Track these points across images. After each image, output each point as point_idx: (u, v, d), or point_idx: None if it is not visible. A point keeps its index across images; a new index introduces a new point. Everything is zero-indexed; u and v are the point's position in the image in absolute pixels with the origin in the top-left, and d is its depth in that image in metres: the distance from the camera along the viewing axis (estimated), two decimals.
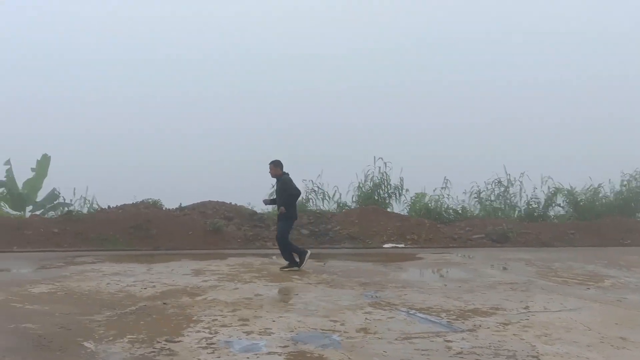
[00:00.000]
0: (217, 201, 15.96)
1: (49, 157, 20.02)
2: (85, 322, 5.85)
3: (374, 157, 19.40)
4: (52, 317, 6.00)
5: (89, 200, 19.84)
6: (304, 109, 29.74)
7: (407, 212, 18.85)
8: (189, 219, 14.15)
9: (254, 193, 19.18)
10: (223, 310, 6.44)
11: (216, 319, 5.98)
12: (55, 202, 19.66)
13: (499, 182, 19.35)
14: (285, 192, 9.32)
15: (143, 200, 14.99)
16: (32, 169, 19.45)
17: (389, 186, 19.74)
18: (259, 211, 16.33)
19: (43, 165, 19.70)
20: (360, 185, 19.35)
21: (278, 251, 10.18)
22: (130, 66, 30.51)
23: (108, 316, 6.11)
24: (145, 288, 7.78)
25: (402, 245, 14.50)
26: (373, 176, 19.59)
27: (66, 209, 19.65)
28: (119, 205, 14.74)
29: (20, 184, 19.17)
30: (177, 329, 5.49)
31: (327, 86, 30.62)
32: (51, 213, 18.56)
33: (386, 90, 30.66)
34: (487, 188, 19.60)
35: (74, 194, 20.00)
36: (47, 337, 5.23)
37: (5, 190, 18.63)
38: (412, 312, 6.40)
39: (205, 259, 11.26)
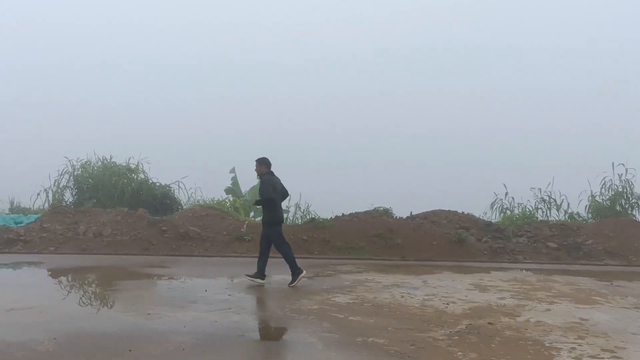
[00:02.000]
0: (449, 210, 15.45)
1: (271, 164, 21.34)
2: (428, 339, 5.67)
3: (612, 163, 17.52)
4: (391, 332, 5.91)
5: (301, 208, 20.86)
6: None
7: None
8: (429, 228, 13.85)
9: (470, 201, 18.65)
10: (567, 335, 5.83)
11: (573, 348, 5.38)
12: None
13: None
14: (260, 193, 8.81)
15: (375, 208, 15.04)
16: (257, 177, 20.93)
17: (631, 195, 17.69)
18: (493, 221, 15.52)
19: None
20: (596, 194, 17.60)
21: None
22: None
23: (447, 335, 5.86)
24: (447, 304, 7.48)
25: None
26: (612, 184, 17.72)
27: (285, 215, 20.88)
28: (351, 213, 14.94)
29: (243, 190, 20.73)
30: (541, 357, 5.01)
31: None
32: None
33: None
34: None
35: (288, 201, 21.24)
36: (411, 356, 5.07)
37: (231, 197, 20.21)
38: None
39: (465, 271, 10.80)
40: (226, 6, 38.36)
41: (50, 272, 10.27)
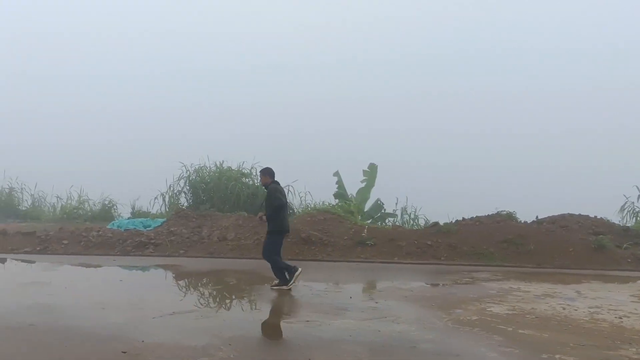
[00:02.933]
0: (579, 214, 14.51)
1: (376, 166, 21.07)
2: (623, 359, 5.16)
3: None
4: (577, 350, 5.48)
5: (408, 212, 20.44)
6: None
7: None
8: (562, 234, 13.06)
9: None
10: None
11: None
12: (381, 213, 20.68)
13: None
14: (270, 201, 8.51)
15: (498, 211, 14.41)
16: (362, 180, 20.74)
17: None
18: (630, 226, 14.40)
19: (371, 175, 20.80)
20: None
21: None
22: None
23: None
24: (620, 318, 6.89)
25: None
26: None
27: (390, 220, 20.55)
28: (472, 217, 14.41)
29: (349, 194, 20.62)
30: None
31: None
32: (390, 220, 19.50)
33: None
34: None
35: (396, 205, 20.90)
36: None
37: (339, 202, 20.13)
38: None
39: (616, 281, 10.01)
40: None
41: (190, 276, 10.58)
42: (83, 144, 30.01)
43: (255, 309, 7.60)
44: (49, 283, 8.98)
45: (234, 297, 8.55)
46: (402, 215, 20.35)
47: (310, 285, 9.37)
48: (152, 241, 13.41)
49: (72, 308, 7.14)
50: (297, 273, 8.53)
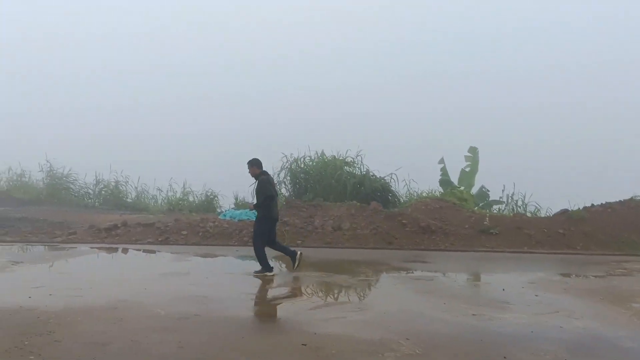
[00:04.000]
0: None
1: (477, 149, 20.19)
2: None
3: None
4: None
5: (514, 199, 19.47)
6: None
7: None
8: None
9: None
10: None
11: None
12: (487, 200, 19.86)
13: None
14: (260, 193, 8.72)
15: (632, 197, 13.37)
16: (465, 166, 19.97)
17: None
18: None
19: (473, 159, 19.97)
20: None
21: None
22: None
23: None
24: None
25: None
26: None
27: (496, 207, 19.69)
28: (602, 203, 13.46)
29: (455, 181, 19.94)
30: None
31: None
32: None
33: None
34: None
35: (502, 192, 19.97)
36: None
37: (447, 189, 19.49)
38: None
39: None
40: None
41: (322, 267, 10.39)
42: (181, 134, 31.02)
43: (407, 300, 7.32)
44: (188, 274, 9.13)
45: (379, 288, 8.30)
46: (508, 201, 19.53)
47: (449, 275, 8.99)
48: None
49: (225, 299, 7.15)
50: (298, 255, 9.00)
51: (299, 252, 9.02)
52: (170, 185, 22.52)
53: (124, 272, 9.48)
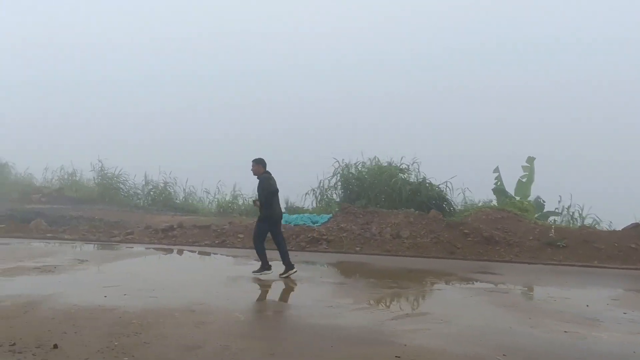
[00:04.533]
0: None
1: (534, 159, 19.75)
2: None
3: None
4: None
5: (570, 211, 18.85)
6: None
7: None
8: None
9: None
10: None
11: None
12: (542, 211, 19.34)
13: None
14: (263, 189, 9.02)
15: None
16: (522, 176, 19.54)
17: None
18: None
19: (530, 169, 19.53)
20: None
21: None
22: None
23: None
24: None
25: None
26: None
27: (554, 219, 19.11)
28: None
29: (511, 191, 19.48)
30: None
31: None
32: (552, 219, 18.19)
33: None
34: None
35: (559, 203, 19.40)
36: None
37: (502, 199, 19.04)
38: None
39: None
40: None
41: (389, 275, 10.19)
42: (230, 137, 31.38)
43: (489, 314, 7.11)
44: (255, 278, 9.13)
45: (454, 299, 8.09)
46: (563, 212, 18.98)
47: (523, 288, 8.73)
48: (324, 237, 13.42)
49: (300, 306, 7.11)
50: (292, 271, 9.07)
51: (294, 269, 9.15)
52: (218, 188, 22.68)
53: (190, 273, 9.54)
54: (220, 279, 8.87)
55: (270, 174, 9.32)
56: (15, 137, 32.28)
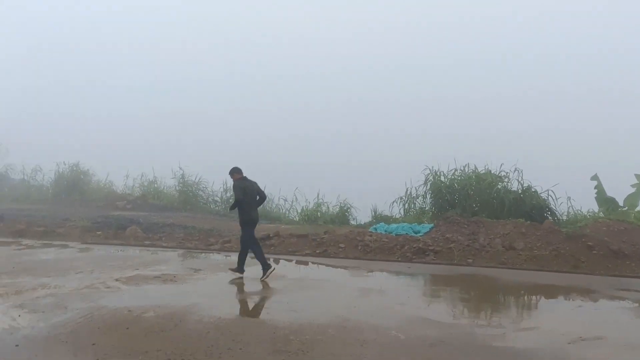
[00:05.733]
0: None
1: None
2: None
3: None
4: None
5: None
6: None
7: None
8: None
9: None
10: None
11: None
12: None
13: None
14: (234, 196, 9.82)
15: None
16: (633, 185, 18.46)
17: None
18: None
19: None
20: None
21: None
22: None
23: None
24: None
25: None
26: None
27: None
28: None
29: (620, 201, 18.40)
30: None
31: None
32: None
33: None
34: None
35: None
36: None
37: (600, 207, 17.99)
38: None
39: None
40: None
41: (521, 290, 9.65)
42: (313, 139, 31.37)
43: None
44: (384, 291, 8.82)
45: (622, 319, 7.46)
46: None
47: None
48: (430, 247, 12.93)
49: (453, 324, 6.72)
50: (270, 270, 9.50)
51: (273, 267, 9.70)
52: (295, 196, 22.54)
53: (315, 285, 9.29)
54: (349, 292, 8.60)
55: (246, 180, 9.92)
56: (92, 145, 33.49)
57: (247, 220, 9.80)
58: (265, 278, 9.42)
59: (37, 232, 15.31)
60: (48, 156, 27.54)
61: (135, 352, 5.24)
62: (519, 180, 16.43)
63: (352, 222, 19.91)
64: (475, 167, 17.43)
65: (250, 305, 7.47)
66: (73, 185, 26.34)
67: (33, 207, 21.36)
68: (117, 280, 9.03)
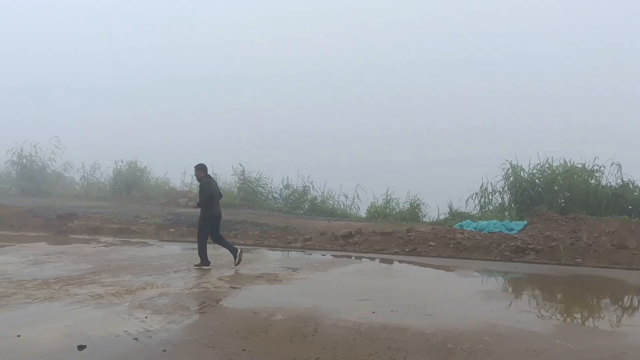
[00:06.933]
0: None
1: None
2: None
3: None
4: None
5: None
6: None
7: None
8: None
9: None
10: None
11: None
12: None
13: None
14: (202, 193, 10.06)
15: None
16: None
17: None
18: None
19: None
20: None
21: None
22: None
23: None
24: None
25: None
26: None
27: None
28: None
29: None
30: None
31: None
32: None
33: None
34: None
35: None
36: None
37: None
38: None
39: None
40: None
41: None
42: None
43: None
44: (507, 293, 8.24)
45: None
46: None
47: None
48: (530, 246, 12.25)
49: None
50: (238, 252, 9.87)
51: (239, 250, 9.96)
52: (357, 192, 22.04)
53: (428, 287, 8.78)
54: (470, 294, 8.13)
55: (211, 178, 10.34)
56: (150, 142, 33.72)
57: (209, 215, 10.00)
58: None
59: (112, 230, 15.23)
60: (104, 155, 27.76)
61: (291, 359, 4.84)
62: (616, 175, 15.57)
63: (425, 220, 19.34)
64: (565, 161, 16.60)
65: (375, 309, 7.00)
66: (132, 182, 26.40)
67: (97, 204, 21.42)
68: (220, 279, 8.74)
